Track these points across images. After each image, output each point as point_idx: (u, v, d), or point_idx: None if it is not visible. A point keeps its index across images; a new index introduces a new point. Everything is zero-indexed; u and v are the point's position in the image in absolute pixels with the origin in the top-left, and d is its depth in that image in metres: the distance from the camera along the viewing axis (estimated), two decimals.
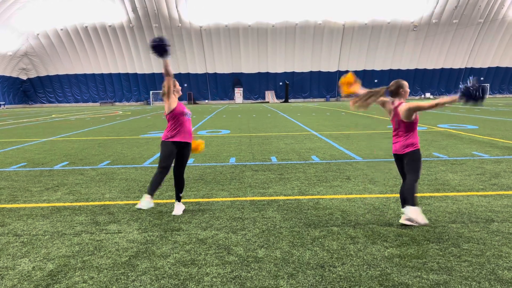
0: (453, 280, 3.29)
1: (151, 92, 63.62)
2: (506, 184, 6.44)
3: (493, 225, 4.55)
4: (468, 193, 5.92)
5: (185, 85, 63.85)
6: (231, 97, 66.91)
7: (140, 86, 65.51)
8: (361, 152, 9.94)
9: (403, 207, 4.60)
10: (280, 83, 66.27)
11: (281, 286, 3.25)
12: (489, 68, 66.58)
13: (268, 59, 64.88)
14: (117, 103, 66.45)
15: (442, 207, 5.24)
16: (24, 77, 64.92)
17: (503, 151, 9.64)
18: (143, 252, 4.00)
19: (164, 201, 5.87)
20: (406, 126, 4.54)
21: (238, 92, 65.45)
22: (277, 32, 62.13)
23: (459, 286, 3.18)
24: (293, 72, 66.24)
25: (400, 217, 4.71)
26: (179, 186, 5.28)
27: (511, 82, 68.36)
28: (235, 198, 5.93)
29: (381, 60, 64.94)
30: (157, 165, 8.66)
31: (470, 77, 4.60)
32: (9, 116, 33.82)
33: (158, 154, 10.13)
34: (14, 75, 62.46)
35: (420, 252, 3.84)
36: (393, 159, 4.88)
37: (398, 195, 5.45)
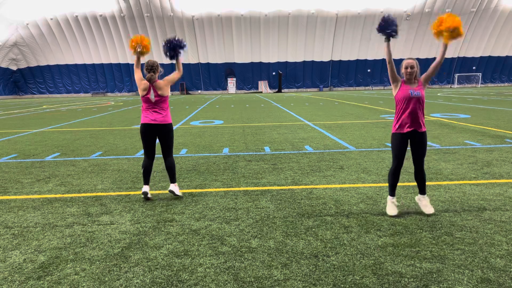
0: (446, 268, 3.30)
1: None
2: (498, 172, 6.48)
3: (486, 213, 4.58)
4: (461, 182, 5.95)
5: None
6: (224, 87, 66.63)
7: (132, 77, 64.93)
8: (354, 141, 9.95)
9: (424, 193, 4.70)
10: (273, 73, 66.09)
11: (275, 276, 3.24)
12: (481, 57, 66.84)
13: (261, 48, 64.60)
14: (109, 94, 65.93)
15: (435, 196, 5.26)
16: (14, 68, 64.07)
17: (495, 140, 9.70)
18: (135, 243, 3.97)
19: (157, 192, 5.83)
20: None
21: (231, 82, 65.18)
22: (270, 21, 61.78)
23: (452, 274, 3.20)
24: (286, 62, 66.06)
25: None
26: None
27: (503, 72, 68.73)
28: (229, 189, 5.91)
29: (374, 50, 64.91)
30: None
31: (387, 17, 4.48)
32: None
33: None
34: (3, 65, 61.61)
35: (413, 241, 3.85)
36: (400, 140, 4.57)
37: None
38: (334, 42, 64.56)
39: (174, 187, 5.45)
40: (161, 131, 5.31)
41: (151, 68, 5.28)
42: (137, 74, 5.35)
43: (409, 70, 4.48)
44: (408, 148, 4.62)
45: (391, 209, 4.63)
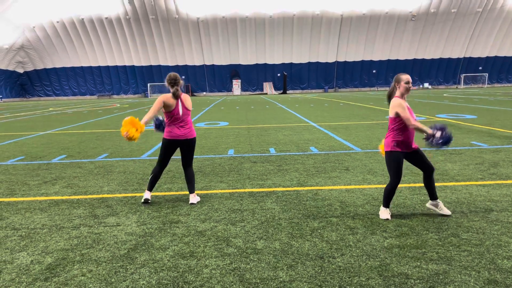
0: (453, 269, 3.29)
1: (148, 84, 63.32)
2: (505, 173, 6.43)
3: (492, 214, 4.55)
4: (467, 183, 5.92)
5: (183, 77, 63.46)
6: (229, 89, 66.68)
7: (137, 79, 65.22)
8: (359, 142, 9.92)
9: (435, 199, 4.58)
10: (278, 75, 66.05)
11: (280, 278, 3.24)
12: (487, 57, 66.35)
13: (266, 50, 64.57)
14: (114, 96, 66.19)
15: (441, 197, 5.23)
16: (21, 70, 64.50)
17: (502, 140, 9.64)
18: (142, 244, 3.99)
19: (163, 193, 5.85)
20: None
21: (236, 84, 65.22)
22: (275, 23, 61.76)
23: (459, 276, 3.18)
24: (291, 63, 65.98)
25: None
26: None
27: (509, 72, 68.19)
28: (234, 190, 5.92)
29: (380, 51, 64.69)
30: (156, 157, 8.66)
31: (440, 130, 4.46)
32: (6, 109, 33.68)
33: (157, 147, 10.11)
34: (10, 68, 62.03)
35: (419, 242, 3.84)
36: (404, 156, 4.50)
37: None
38: (339, 43, 64.40)
39: (193, 197, 5.33)
40: (188, 145, 5.26)
41: (174, 81, 5.05)
42: (157, 104, 5.05)
43: (410, 85, 4.36)
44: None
45: (385, 214, 4.54)
